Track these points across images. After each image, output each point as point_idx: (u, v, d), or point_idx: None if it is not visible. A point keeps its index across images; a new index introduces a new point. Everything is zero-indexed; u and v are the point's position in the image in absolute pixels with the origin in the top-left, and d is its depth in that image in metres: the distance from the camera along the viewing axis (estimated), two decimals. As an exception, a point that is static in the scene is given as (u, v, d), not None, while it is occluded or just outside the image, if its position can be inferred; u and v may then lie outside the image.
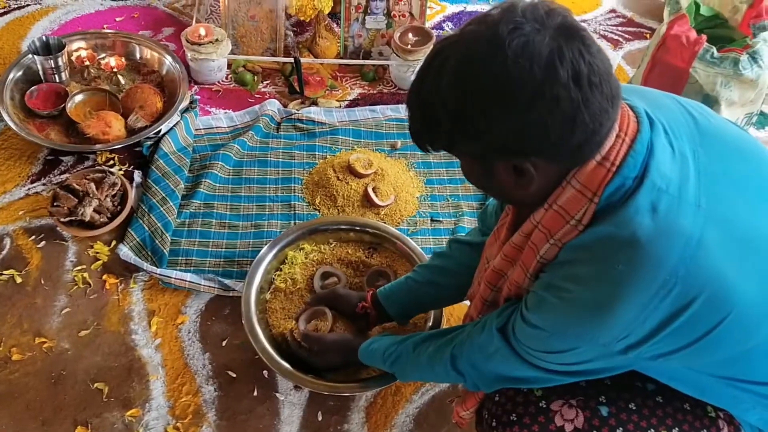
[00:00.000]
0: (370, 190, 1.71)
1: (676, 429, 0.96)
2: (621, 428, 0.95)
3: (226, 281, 1.55)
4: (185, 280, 1.54)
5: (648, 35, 2.38)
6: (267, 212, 1.72)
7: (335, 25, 2.17)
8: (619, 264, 0.79)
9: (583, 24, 0.83)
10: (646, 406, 0.97)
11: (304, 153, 1.86)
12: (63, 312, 1.50)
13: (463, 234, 1.50)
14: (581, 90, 0.77)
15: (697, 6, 1.72)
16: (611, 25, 2.43)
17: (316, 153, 1.86)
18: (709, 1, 1.75)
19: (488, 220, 1.25)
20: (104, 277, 1.56)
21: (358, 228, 1.61)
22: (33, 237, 1.62)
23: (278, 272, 1.54)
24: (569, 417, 0.97)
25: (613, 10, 2.49)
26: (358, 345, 1.28)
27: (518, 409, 1.00)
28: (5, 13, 2.19)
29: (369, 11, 2.04)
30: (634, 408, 0.97)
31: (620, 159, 0.82)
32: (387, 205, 1.71)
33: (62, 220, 1.58)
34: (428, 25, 2.18)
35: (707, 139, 0.87)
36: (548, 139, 0.79)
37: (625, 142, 0.83)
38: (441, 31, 2.28)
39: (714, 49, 1.62)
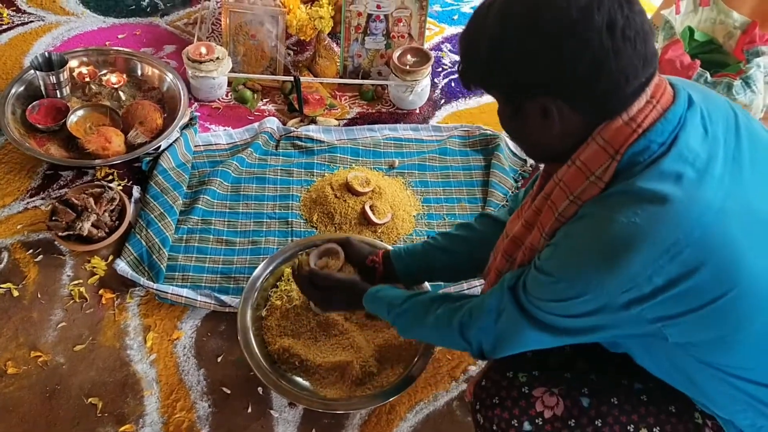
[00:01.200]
0: (367, 207, 1.72)
1: (658, 429, 0.96)
2: (600, 420, 0.96)
3: (223, 297, 1.55)
4: (181, 296, 1.55)
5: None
6: (264, 229, 1.73)
7: (335, 45, 2.19)
8: (636, 216, 0.81)
9: None
10: (629, 402, 0.98)
11: (303, 170, 1.88)
12: (59, 326, 1.50)
13: (494, 210, 1.47)
14: (613, 39, 0.80)
15: (691, 31, 1.74)
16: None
17: (314, 171, 1.88)
18: (703, 26, 1.77)
19: (519, 202, 1.23)
20: (101, 291, 1.57)
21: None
22: (30, 251, 1.63)
23: (274, 289, 1.55)
24: (550, 404, 0.98)
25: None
26: (364, 289, 1.24)
27: (501, 392, 1.02)
28: (9, 29, 2.21)
29: (368, 32, 2.07)
30: (616, 402, 0.98)
31: (648, 123, 0.84)
32: (384, 223, 1.72)
33: (60, 234, 1.59)
34: (427, 46, 2.21)
35: (743, 133, 0.89)
36: (573, 79, 0.82)
37: (656, 108, 0.85)
38: (439, 52, 2.30)
39: (708, 74, 1.64)
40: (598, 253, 0.83)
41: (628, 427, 0.97)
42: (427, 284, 1.51)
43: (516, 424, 0.99)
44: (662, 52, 1.72)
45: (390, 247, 1.34)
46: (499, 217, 1.27)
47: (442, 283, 1.57)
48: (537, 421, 0.98)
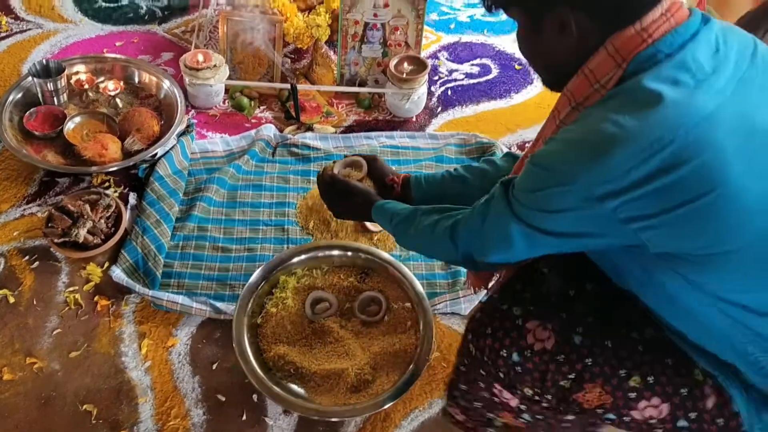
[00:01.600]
0: (363, 215, 1.72)
1: (652, 378, 0.95)
2: (591, 359, 0.96)
3: (218, 304, 1.55)
4: (177, 303, 1.55)
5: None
6: (260, 236, 1.73)
7: (332, 53, 2.20)
8: (625, 114, 0.82)
9: None
10: (624, 348, 0.97)
11: (299, 178, 1.88)
12: (54, 333, 1.50)
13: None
14: None
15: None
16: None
17: (311, 178, 1.88)
18: None
19: None
20: (96, 298, 1.57)
21: (350, 253, 1.62)
22: (27, 257, 1.63)
23: (270, 296, 1.55)
24: (541, 337, 0.98)
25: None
26: (375, 201, 1.30)
27: (495, 323, 1.02)
28: (7, 36, 2.22)
29: (365, 40, 2.08)
30: (609, 345, 0.97)
31: (659, 34, 0.86)
32: (380, 231, 1.72)
33: (56, 241, 1.59)
34: (423, 54, 2.22)
35: (759, 60, 0.89)
36: None
37: (669, 21, 0.87)
38: (436, 60, 2.31)
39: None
40: (583, 146, 0.85)
41: (620, 371, 0.96)
42: None
43: (505, 354, 0.99)
44: None
45: (413, 174, 1.41)
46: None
47: None
48: (526, 353, 0.98)
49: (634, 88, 0.85)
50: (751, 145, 0.82)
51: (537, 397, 1.01)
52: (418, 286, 1.54)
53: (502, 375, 1.02)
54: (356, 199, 1.35)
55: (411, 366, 1.41)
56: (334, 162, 1.44)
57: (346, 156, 1.49)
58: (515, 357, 0.99)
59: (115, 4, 2.39)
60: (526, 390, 1.01)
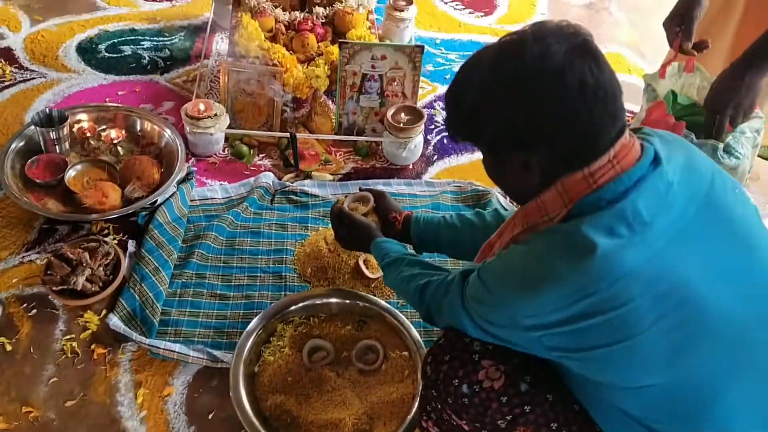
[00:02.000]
0: (361, 262, 1.73)
1: None
2: (529, 407, 1.04)
3: (215, 352, 1.55)
4: (174, 351, 1.54)
5: (630, 119, 2.48)
6: (258, 283, 1.74)
7: (330, 103, 2.25)
8: (560, 257, 0.91)
9: (598, 48, 0.94)
10: (562, 404, 1.05)
11: (297, 225, 1.90)
12: (50, 381, 1.50)
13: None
14: (585, 99, 0.89)
15: (674, 95, 1.79)
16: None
17: (309, 225, 1.90)
18: (686, 90, 1.83)
19: None
20: (93, 346, 1.56)
21: (347, 301, 1.62)
22: (25, 305, 1.63)
23: (267, 345, 1.55)
24: (492, 377, 1.06)
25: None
26: (375, 237, 1.46)
27: (454, 352, 1.10)
28: (11, 85, 2.26)
29: (363, 90, 2.13)
30: (549, 399, 1.05)
31: (604, 180, 0.92)
32: (377, 278, 1.73)
33: (54, 288, 1.59)
34: (420, 104, 2.27)
35: (708, 209, 0.95)
36: (550, 135, 0.91)
37: (614, 168, 0.92)
38: (432, 110, 2.36)
39: (693, 135, 1.69)
40: (519, 279, 0.96)
41: (551, 425, 1.04)
42: None
43: (456, 384, 1.07)
44: (647, 114, 1.77)
45: (415, 213, 1.54)
46: (506, 216, 1.37)
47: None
48: (475, 387, 1.06)
49: (573, 232, 0.91)
50: (667, 302, 0.88)
51: (475, 428, 1.09)
52: (416, 334, 1.54)
53: (450, 401, 1.09)
54: (358, 232, 1.49)
55: (409, 416, 1.41)
56: (346, 196, 1.61)
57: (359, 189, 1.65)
58: (465, 389, 1.07)
59: (118, 55, 2.45)
60: (467, 420, 1.09)
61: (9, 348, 1.54)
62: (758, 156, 2.06)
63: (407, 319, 1.58)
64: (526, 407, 1.04)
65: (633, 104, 2.50)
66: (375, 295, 1.68)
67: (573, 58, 0.89)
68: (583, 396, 1.06)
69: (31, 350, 1.55)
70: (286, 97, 2.14)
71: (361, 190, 1.63)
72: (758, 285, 0.96)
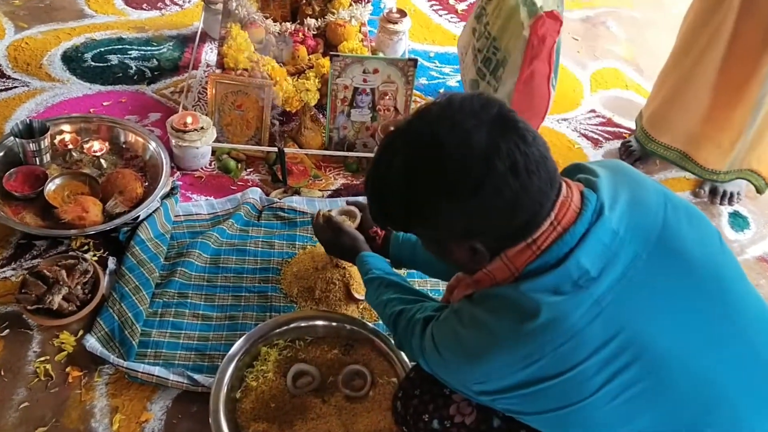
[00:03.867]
0: (350, 283, 1.68)
1: None
2: None
3: (196, 376, 1.49)
4: (153, 375, 1.48)
5: (627, 135, 2.44)
6: (243, 303, 1.68)
7: (321, 117, 2.20)
8: (504, 324, 0.89)
9: (514, 115, 0.90)
10: None
11: (284, 242, 1.84)
12: (21, 407, 1.43)
13: None
14: (519, 179, 0.85)
15: None
16: (591, 125, 2.48)
17: (296, 243, 1.84)
18: None
19: None
20: (68, 369, 1.50)
21: (334, 323, 1.56)
22: (-3, 324, 1.56)
23: (250, 369, 1.49)
24: (464, 412, 1.04)
25: (593, 110, 2.55)
26: (361, 250, 1.48)
27: (424, 387, 1.09)
28: (-8, 94, 2.20)
29: (355, 104, 2.08)
30: None
31: (547, 244, 0.89)
32: (365, 299, 1.67)
33: (29, 308, 1.53)
34: (412, 118, 2.21)
35: (661, 250, 0.91)
36: (493, 223, 0.88)
37: (556, 230, 0.89)
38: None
39: None
40: (465, 347, 0.95)
41: None
42: None
43: (426, 419, 1.06)
44: (532, 31, 1.81)
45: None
46: None
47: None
48: (446, 423, 1.05)
49: (517, 297, 0.89)
50: (619, 361, 0.86)
51: None
52: (406, 359, 1.48)
53: None
54: (345, 240, 1.52)
55: (396, 446, 1.35)
56: (330, 210, 1.61)
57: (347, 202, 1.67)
58: (435, 424, 1.05)
59: (105, 64, 2.39)
60: None
61: (-22, 371, 1.48)
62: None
63: (396, 343, 1.52)
64: None
65: (628, 120, 2.47)
66: (363, 318, 1.63)
67: (496, 141, 0.85)
68: None
69: (2, 373, 1.48)
70: (276, 110, 2.09)
71: (348, 203, 1.61)
72: (722, 328, 0.92)
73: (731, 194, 2.22)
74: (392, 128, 0.97)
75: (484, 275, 0.96)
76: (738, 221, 2.19)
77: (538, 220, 0.89)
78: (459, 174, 0.85)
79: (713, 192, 2.24)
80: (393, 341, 1.28)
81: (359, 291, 1.68)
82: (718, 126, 2.00)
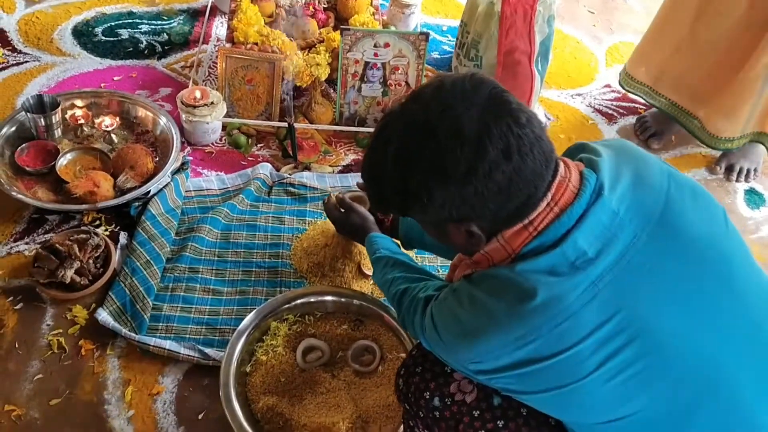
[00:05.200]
0: (361, 259, 1.67)
1: None
2: (503, 422, 1.01)
3: (207, 350, 1.50)
4: (164, 348, 1.49)
5: (642, 110, 2.40)
6: (253, 278, 1.69)
7: (332, 91, 2.18)
8: (500, 304, 0.89)
9: (508, 96, 0.88)
10: (536, 419, 1.00)
11: (295, 218, 1.84)
12: (35, 378, 1.45)
13: None
14: (512, 162, 0.84)
15: None
16: (606, 100, 2.45)
17: (307, 218, 1.84)
18: None
19: None
20: (80, 342, 1.51)
21: (344, 299, 1.57)
22: (11, 298, 1.58)
23: (260, 343, 1.50)
24: (464, 390, 1.04)
25: (607, 85, 2.51)
26: (370, 230, 1.51)
27: (426, 365, 1.08)
28: (3, 68, 2.19)
29: (365, 79, 2.06)
30: (524, 413, 1.01)
31: (544, 225, 0.88)
32: (372, 278, 1.67)
33: (42, 281, 1.54)
34: (424, 93, 2.19)
35: (663, 230, 0.89)
36: (488, 207, 0.87)
37: (553, 211, 0.88)
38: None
39: None
40: (461, 327, 0.94)
41: None
42: None
43: (427, 396, 1.05)
44: (503, 2, 1.85)
45: None
46: None
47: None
48: (446, 400, 1.04)
49: (513, 278, 0.88)
50: (615, 342, 0.85)
51: None
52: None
53: (422, 414, 1.07)
54: (355, 219, 1.56)
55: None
56: (341, 193, 1.64)
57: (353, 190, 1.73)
58: (436, 402, 1.05)
59: (115, 39, 2.38)
60: None
61: (-7, 343, 1.50)
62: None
63: (406, 319, 1.53)
64: (499, 422, 1.01)
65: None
66: (373, 294, 1.63)
67: (488, 124, 0.84)
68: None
69: (16, 345, 1.50)
70: (287, 85, 2.07)
71: (358, 185, 1.60)
72: (726, 308, 0.90)
73: (747, 171, 2.19)
74: (385, 112, 0.96)
75: (482, 256, 0.95)
76: (754, 198, 2.16)
77: (534, 202, 0.88)
78: (451, 159, 0.84)
79: (729, 169, 2.20)
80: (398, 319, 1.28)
81: (369, 267, 1.67)
82: (726, 89, 1.98)
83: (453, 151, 0.84)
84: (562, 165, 0.91)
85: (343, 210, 1.59)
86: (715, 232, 0.94)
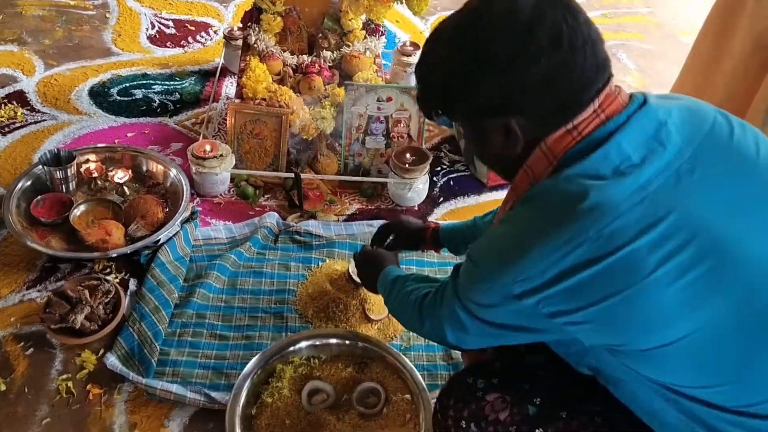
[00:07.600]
0: (364, 304, 1.70)
1: None
2: (540, 429, 1.00)
3: (213, 394, 1.51)
4: (171, 392, 1.51)
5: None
6: (259, 323, 1.71)
7: (336, 144, 2.26)
8: (543, 212, 0.85)
9: None
10: (578, 419, 0.99)
11: (300, 265, 1.88)
12: (43, 422, 1.46)
13: None
14: (560, 52, 0.82)
15: None
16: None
17: (312, 265, 1.88)
18: None
19: None
20: (89, 386, 1.53)
21: (348, 342, 1.58)
22: (22, 344, 1.61)
23: (266, 386, 1.51)
24: (498, 409, 1.04)
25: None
26: (387, 266, 1.43)
27: (458, 395, 1.09)
28: (21, 126, 2.29)
29: (369, 132, 2.13)
30: (563, 416, 1.00)
31: (589, 131, 0.86)
32: (380, 320, 1.70)
33: (53, 326, 1.57)
34: (426, 145, 2.27)
35: (712, 146, 0.86)
36: (528, 97, 0.85)
37: (599, 117, 0.87)
38: (438, 152, 2.36)
39: None
40: (504, 243, 0.90)
41: None
42: None
43: (464, 425, 1.06)
44: None
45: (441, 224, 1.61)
46: None
47: None
48: (482, 424, 1.04)
49: (555, 185, 0.86)
50: (674, 240, 0.80)
51: None
52: (419, 377, 1.50)
53: None
54: (377, 258, 1.50)
55: (410, 461, 1.35)
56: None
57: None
58: (473, 427, 1.05)
59: (130, 98, 2.48)
60: None
61: (3, 387, 1.51)
62: None
63: (410, 361, 1.54)
64: (537, 430, 1.01)
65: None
66: (378, 337, 1.65)
67: (543, 10, 0.83)
68: (620, 391, 0.97)
69: (26, 390, 1.52)
70: (293, 138, 2.15)
71: (381, 228, 1.70)
72: None
73: None
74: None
75: (522, 174, 0.93)
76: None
77: (579, 103, 0.85)
78: (497, 40, 0.83)
79: None
80: (421, 331, 1.18)
81: (374, 312, 1.70)
82: None
83: (500, 32, 0.83)
84: (613, 82, 0.89)
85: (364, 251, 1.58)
86: (766, 154, 0.90)
